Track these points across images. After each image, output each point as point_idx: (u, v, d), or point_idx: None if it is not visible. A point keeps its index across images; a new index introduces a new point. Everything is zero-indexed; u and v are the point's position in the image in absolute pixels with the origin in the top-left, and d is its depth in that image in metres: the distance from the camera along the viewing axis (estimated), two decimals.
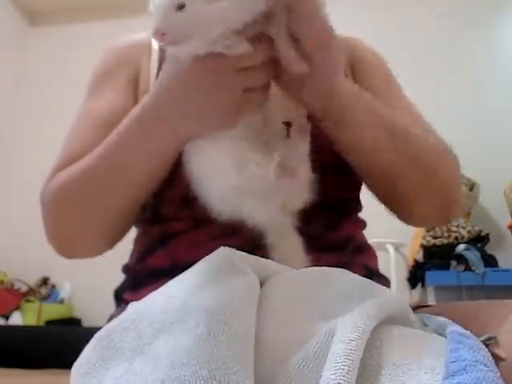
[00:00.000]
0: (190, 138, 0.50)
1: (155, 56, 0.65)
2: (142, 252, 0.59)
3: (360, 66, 0.71)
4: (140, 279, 0.56)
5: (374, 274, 0.59)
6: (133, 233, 0.64)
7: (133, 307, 0.40)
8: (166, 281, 0.41)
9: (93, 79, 0.69)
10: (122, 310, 0.51)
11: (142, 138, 0.51)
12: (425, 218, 0.62)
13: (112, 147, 0.53)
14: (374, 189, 0.61)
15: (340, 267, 0.42)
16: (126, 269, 0.61)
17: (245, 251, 0.43)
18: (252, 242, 0.52)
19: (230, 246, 0.42)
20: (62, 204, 0.56)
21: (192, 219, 0.56)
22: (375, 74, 0.71)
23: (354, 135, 0.53)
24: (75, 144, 0.60)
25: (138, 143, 0.52)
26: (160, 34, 0.38)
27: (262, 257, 0.44)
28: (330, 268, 0.41)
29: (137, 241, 0.63)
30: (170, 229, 0.57)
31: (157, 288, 0.41)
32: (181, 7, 0.37)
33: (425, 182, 0.57)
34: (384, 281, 0.61)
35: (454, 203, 0.61)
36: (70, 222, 0.56)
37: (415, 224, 0.67)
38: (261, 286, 0.39)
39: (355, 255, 0.58)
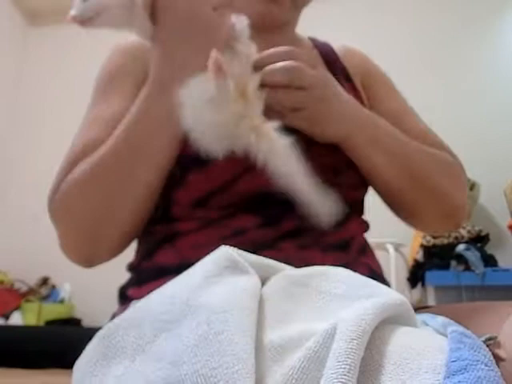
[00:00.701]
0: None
1: None
2: (149, 249, 0.59)
3: (369, 79, 0.73)
4: (146, 276, 0.56)
5: (378, 276, 0.59)
6: None
7: (135, 306, 0.40)
8: (172, 278, 0.41)
9: (99, 81, 0.67)
10: (125, 308, 0.51)
11: (157, 103, 0.54)
12: (431, 224, 0.67)
13: (130, 123, 0.54)
14: (381, 197, 0.66)
15: (344, 266, 0.42)
16: (132, 267, 0.61)
17: (251, 251, 0.43)
18: (260, 241, 0.52)
19: (237, 246, 0.42)
20: (89, 190, 0.54)
21: (203, 219, 0.55)
22: (382, 86, 0.74)
23: (361, 160, 0.59)
24: (82, 143, 0.58)
25: (154, 109, 0.54)
26: (72, 18, 0.53)
27: (267, 257, 0.44)
28: (332, 267, 0.41)
29: (141, 240, 0.62)
30: (179, 228, 0.56)
31: (162, 284, 0.41)
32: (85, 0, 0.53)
33: (430, 195, 0.62)
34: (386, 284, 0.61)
35: (458, 208, 0.65)
36: (99, 205, 0.54)
37: (425, 230, 0.74)
38: (262, 285, 0.39)
39: (359, 255, 0.59)
